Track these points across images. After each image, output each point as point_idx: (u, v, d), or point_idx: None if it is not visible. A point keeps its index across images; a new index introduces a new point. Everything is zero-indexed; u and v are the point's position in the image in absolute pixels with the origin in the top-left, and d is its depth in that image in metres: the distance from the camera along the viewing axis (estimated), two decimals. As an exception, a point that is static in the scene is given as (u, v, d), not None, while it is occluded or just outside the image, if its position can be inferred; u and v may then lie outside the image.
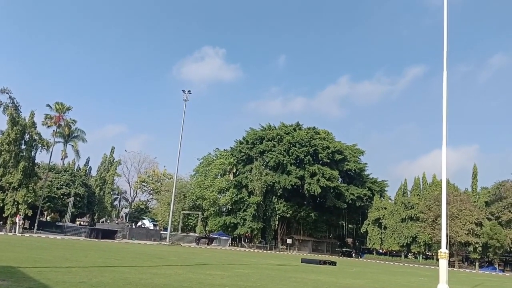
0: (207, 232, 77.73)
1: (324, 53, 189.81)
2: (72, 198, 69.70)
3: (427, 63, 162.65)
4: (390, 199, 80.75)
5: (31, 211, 51.41)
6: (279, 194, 74.35)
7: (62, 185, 71.58)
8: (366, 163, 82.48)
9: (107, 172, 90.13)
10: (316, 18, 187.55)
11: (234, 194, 72.55)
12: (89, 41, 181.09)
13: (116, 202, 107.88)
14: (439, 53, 21.56)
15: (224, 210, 78.78)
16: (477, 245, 59.05)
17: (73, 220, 74.93)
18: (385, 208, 73.22)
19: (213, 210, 75.26)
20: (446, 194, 18.37)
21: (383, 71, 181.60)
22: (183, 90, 67.47)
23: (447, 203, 18.25)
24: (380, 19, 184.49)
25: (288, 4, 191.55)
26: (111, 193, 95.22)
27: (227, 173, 79.96)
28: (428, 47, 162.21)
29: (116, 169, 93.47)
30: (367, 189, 78.45)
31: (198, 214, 78.84)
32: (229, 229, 73.37)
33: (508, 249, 61.69)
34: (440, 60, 19.00)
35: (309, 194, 74.09)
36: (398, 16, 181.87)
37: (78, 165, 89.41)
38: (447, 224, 17.95)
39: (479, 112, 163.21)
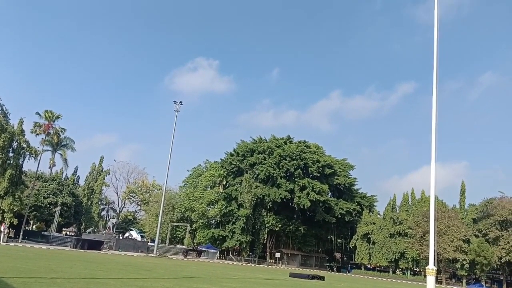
0: (195, 244, 77.08)
1: (317, 68, 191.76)
2: (58, 208, 68.77)
3: (418, 79, 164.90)
4: (379, 214, 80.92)
5: (16, 219, 50.65)
6: (268, 207, 74.18)
7: (49, 194, 70.65)
8: (355, 178, 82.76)
9: (95, 182, 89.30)
10: (310, 33, 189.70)
11: (223, 207, 72.21)
12: (81, 50, 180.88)
13: (103, 213, 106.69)
14: (430, 70, 21.87)
15: (213, 222, 78.29)
16: (464, 262, 59.29)
17: (59, 230, 73.88)
18: (374, 223, 73.31)
19: (202, 222, 74.77)
20: (435, 211, 18.49)
21: (375, 87, 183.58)
22: (175, 101, 67.31)
23: (435, 220, 18.35)
24: (372, 35, 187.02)
25: (283, 19, 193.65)
26: (99, 203, 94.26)
27: (217, 185, 79.64)
28: (419, 64, 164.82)
29: (104, 179, 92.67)
30: (356, 203, 78.57)
31: (187, 226, 78.24)
32: (218, 241, 72.87)
33: (495, 266, 62.03)
34: (431, 77, 19.28)
35: (299, 207, 74.02)
36: (389, 33, 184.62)
37: (66, 174, 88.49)
38: (435, 240, 18.03)
39: (469, 129, 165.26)
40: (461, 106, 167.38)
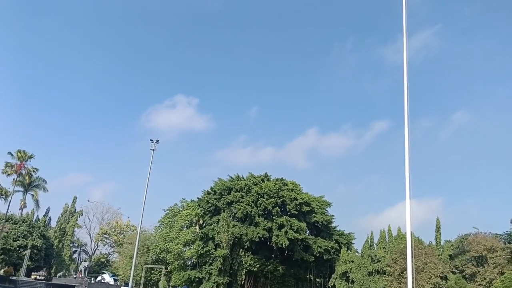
0: (170, 287, 74.86)
1: (294, 105, 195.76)
2: (28, 251, 66.26)
3: (392, 117, 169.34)
4: (357, 252, 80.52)
5: (-18, 264, 48.50)
6: (246, 246, 73.00)
7: (19, 237, 68.11)
8: (333, 215, 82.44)
9: (67, 223, 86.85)
10: (287, 72, 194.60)
11: (200, 247, 70.68)
12: (54, 86, 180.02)
13: (75, 255, 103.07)
14: (403, 108, 22.60)
15: (189, 263, 76.47)
16: (443, 300, 59.18)
17: (28, 274, 70.89)
18: (352, 261, 72.76)
19: (178, 264, 72.91)
20: (412, 248, 18.64)
21: (350, 125, 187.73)
22: (151, 140, 66.88)
23: (412, 257, 18.47)
24: (344, 74, 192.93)
25: (262, 58, 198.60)
26: (71, 245, 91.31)
27: (194, 225, 78.24)
28: (393, 102, 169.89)
29: (77, 220, 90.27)
30: (334, 241, 78.08)
31: (162, 268, 76.11)
32: (194, 284, 70.90)
33: (473, 303, 62.02)
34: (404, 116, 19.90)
35: (277, 246, 73.00)
36: (361, 72, 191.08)
37: (37, 215, 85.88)
38: (413, 278, 18.08)
39: (443, 166, 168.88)
40: (435, 144, 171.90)
